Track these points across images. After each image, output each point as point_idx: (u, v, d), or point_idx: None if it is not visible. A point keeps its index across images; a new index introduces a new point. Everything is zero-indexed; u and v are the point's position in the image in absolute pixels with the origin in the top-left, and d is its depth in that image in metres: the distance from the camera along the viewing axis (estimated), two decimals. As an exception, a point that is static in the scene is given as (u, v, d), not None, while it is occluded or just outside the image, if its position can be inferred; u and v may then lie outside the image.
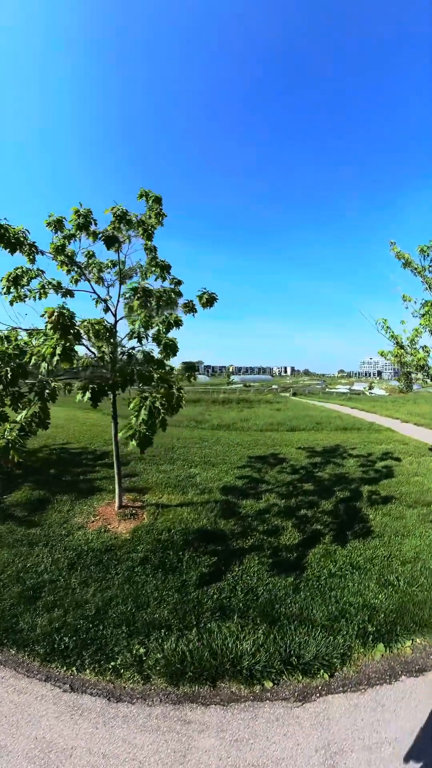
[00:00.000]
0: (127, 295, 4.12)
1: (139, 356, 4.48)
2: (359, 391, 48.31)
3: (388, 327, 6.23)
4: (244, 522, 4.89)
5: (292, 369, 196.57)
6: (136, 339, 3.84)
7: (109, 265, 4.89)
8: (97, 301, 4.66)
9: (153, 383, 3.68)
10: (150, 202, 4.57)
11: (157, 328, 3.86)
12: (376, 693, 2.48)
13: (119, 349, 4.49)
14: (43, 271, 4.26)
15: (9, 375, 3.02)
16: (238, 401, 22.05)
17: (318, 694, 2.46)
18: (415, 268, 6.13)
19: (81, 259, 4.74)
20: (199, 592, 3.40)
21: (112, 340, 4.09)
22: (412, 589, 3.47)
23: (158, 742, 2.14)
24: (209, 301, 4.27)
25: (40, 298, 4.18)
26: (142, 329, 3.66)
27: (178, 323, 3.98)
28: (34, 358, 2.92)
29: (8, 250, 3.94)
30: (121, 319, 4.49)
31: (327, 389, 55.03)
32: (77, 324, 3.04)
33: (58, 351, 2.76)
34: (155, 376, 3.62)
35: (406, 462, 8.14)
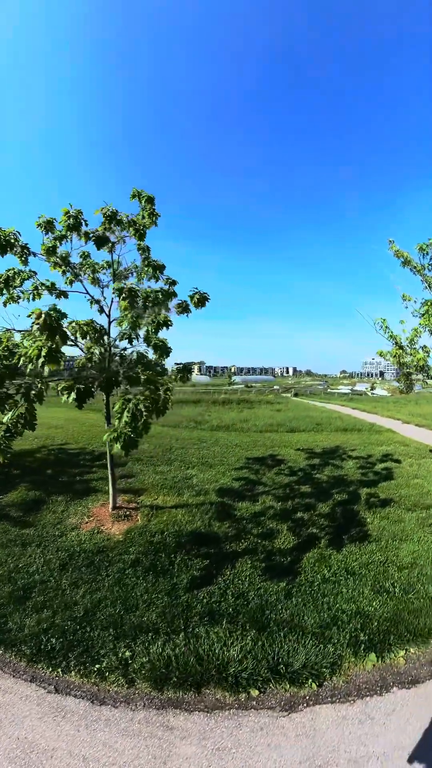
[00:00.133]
0: (114, 296, 4.10)
1: (134, 357, 4.47)
2: (361, 391, 47.96)
3: (386, 327, 6.13)
4: (238, 524, 4.84)
5: (294, 369, 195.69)
6: (127, 340, 3.81)
7: (104, 265, 4.89)
8: (91, 302, 4.66)
9: (140, 385, 3.66)
10: (143, 202, 4.55)
11: (146, 328, 3.83)
12: (366, 705, 2.41)
13: (114, 350, 4.48)
14: (35, 273, 4.26)
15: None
16: (239, 402, 21.96)
17: (305, 704, 2.40)
18: (415, 267, 6.02)
19: (76, 260, 4.75)
20: (189, 595, 3.36)
21: (101, 341, 4.08)
22: (407, 597, 3.37)
23: (139, 747, 2.11)
24: (201, 300, 4.23)
25: (33, 300, 4.18)
26: (130, 330, 3.63)
27: (167, 323, 3.94)
28: (22, 359, 2.91)
29: None
30: (115, 320, 4.48)
31: (329, 390, 54.76)
32: (65, 325, 3.02)
33: (43, 353, 2.74)
34: (142, 377, 3.59)
35: (406, 464, 8.04)
